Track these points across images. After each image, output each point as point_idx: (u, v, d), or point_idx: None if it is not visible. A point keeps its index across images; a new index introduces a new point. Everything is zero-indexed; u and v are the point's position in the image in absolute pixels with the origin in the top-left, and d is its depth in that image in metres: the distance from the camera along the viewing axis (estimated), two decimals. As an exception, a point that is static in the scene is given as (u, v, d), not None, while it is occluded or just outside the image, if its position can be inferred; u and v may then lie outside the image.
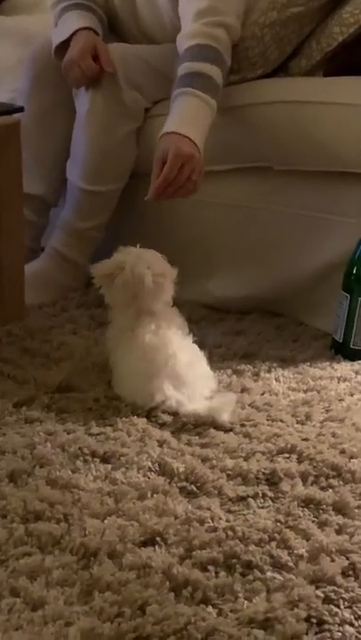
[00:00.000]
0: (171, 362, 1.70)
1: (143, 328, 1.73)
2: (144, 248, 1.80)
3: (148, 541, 1.33)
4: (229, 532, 1.34)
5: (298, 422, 1.71)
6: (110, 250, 1.82)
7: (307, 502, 1.44)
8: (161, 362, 1.70)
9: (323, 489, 1.48)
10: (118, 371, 1.77)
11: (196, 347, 1.80)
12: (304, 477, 1.51)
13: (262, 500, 1.45)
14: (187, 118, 1.92)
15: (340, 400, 1.80)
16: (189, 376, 1.72)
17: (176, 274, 1.79)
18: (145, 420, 1.68)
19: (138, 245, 1.80)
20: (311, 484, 1.50)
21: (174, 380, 1.70)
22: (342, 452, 1.59)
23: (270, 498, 1.46)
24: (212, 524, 1.37)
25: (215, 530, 1.35)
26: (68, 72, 2.18)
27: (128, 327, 1.76)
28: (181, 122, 1.91)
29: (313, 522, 1.39)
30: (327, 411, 1.75)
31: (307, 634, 1.15)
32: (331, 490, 1.48)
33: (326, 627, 1.17)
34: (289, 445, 1.59)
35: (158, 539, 1.33)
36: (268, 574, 1.26)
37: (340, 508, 1.43)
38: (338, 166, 2.04)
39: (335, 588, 1.23)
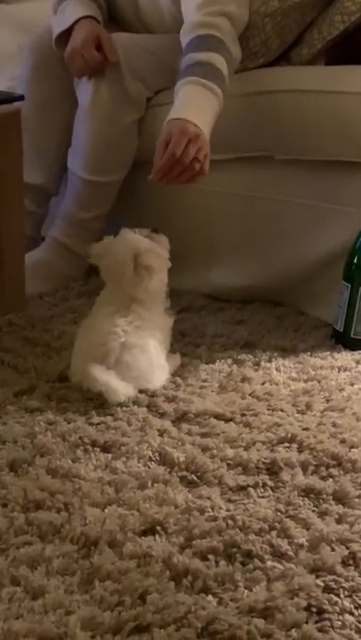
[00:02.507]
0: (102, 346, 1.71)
1: (98, 312, 1.82)
2: (150, 233, 1.83)
3: (149, 530, 1.33)
4: (230, 522, 1.35)
5: (298, 412, 1.71)
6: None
7: (307, 492, 1.44)
8: (93, 344, 1.73)
9: (323, 478, 1.49)
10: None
11: (153, 344, 1.77)
12: (304, 467, 1.51)
13: (262, 490, 1.45)
14: (191, 105, 1.89)
15: (340, 390, 1.80)
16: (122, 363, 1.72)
17: (169, 266, 1.82)
18: (145, 409, 1.68)
19: (146, 229, 1.83)
20: (311, 474, 1.50)
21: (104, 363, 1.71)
22: (343, 441, 1.59)
23: (270, 487, 1.46)
24: (212, 514, 1.37)
25: (215, 519, 1.36)
26: (71, 62, 2.17)
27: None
28: (185, 108, 1.88)
29: (313, 511, 1.40)
30: (328, 400, 1.75)
31: (307, 623, 1.15)
32: (331, 479, 1.48)
33: (326, 616, 1.17)
34: (289, 435, 1.59)
35: (159, 528, 1.33)
36: (269, 563, 1.27)
37: (340, 498, 1.43)
38: (339, 156, 2.04)
39: (335, 578, 1.23)
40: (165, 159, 1.82)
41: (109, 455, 1.53)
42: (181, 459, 1.51)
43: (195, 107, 1.89)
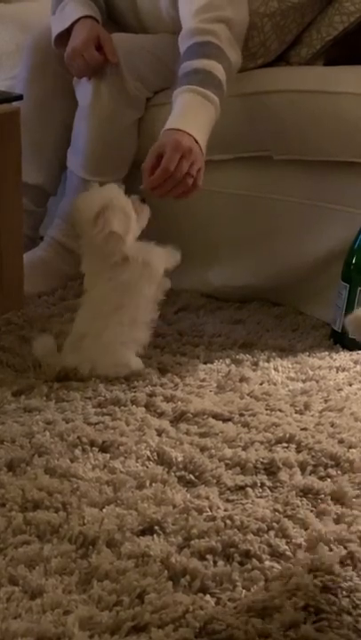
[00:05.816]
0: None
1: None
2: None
3: (147, 530, 1.33)
4: (228, 522, 1.35)
5: (296, 412, 1.71)
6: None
7: (305, 492, 1.44)
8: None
9: (321, 478, 1.49)
10: None
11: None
12: (302, 467, 1.51)
13: (261, 490, 1.45)
14: (187, 114, 1.89)
15: (338, 390, 1.80)
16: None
17: (148, 213, 1.83)
18: (144, 409, 1.68)
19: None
20: (310, 474, 1.50)
21: None
22: (341, 441, 1.59)
23: (269, 487, 1.46)
24: (210, 514, 1.37)
25: (214, 519, 1.36)
26: (71, 62, 2.16)
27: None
28: (181, 119, 1.88)
29: (311, 511, 1.40)
30: (326, 400, 1.75)
31: (305, 622, 1.15)
32: (329, 479, 1.48)
33: (324, 615, 1.17)
34: (287, 435, 1.59)
35: (157, 527, 1.33)
36: (267, 563, 1.27)
37: (338, 498, 1.43)
38: (338, 156, 2.04)
39: (333, 577, 1.23)
40: (158, 174, 1.83)
41: (108, 455, 1.53)
42: (180, 458, 1.51)
43: (190, 116, 1.89)
